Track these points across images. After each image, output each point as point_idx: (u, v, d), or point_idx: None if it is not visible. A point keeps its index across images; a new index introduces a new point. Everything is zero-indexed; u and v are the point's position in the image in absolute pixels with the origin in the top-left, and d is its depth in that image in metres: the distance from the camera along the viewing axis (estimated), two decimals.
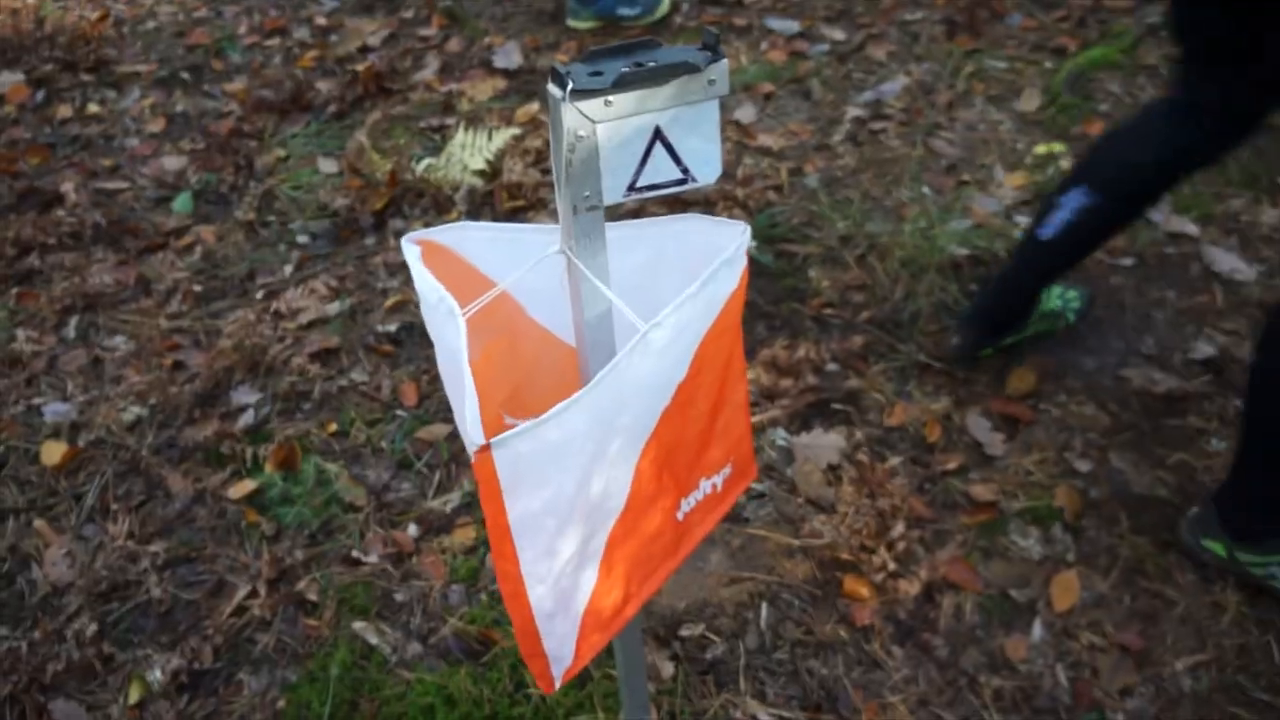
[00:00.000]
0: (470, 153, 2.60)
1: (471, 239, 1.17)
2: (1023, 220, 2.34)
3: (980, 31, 3.03)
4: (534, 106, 2.81)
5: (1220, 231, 2.29)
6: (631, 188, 0.99)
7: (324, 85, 3.08)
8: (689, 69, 0.93)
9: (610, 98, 0.93)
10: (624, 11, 3.15)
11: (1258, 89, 1.54)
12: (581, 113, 0.93)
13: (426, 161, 2.61)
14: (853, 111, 2.74)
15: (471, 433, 0.91)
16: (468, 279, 1.14)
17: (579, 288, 1.03)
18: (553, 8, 3.33)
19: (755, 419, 1.93)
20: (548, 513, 0.97)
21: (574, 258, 1.01)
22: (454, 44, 3.25)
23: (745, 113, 2.76)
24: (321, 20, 3.47)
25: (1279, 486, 1.59)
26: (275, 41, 3.39)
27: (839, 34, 3.07)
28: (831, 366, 2.03)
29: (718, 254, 1.04)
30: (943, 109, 2.73)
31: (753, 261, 2.26)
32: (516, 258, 1.15)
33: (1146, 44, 2.91)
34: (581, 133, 0.94)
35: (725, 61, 0.95)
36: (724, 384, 1.15)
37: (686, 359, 1.03)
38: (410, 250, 1.07)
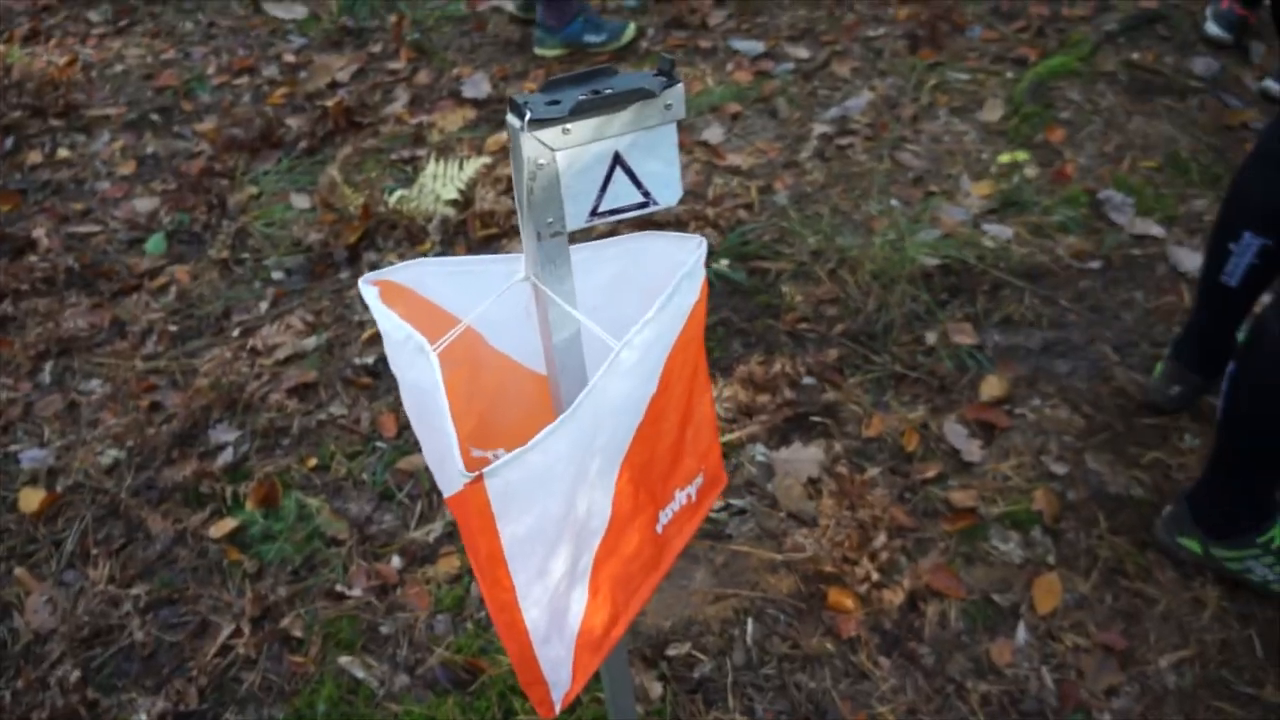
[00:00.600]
0: (442, 183, 2.61)
1: (429, 275, 1.18)
2: (991, 228, 2.37)
3: (942, 44, 3.08)
4: (504, 135, 2.83)
5: (1184, 232, 2.33)
6: (594, 213, 1.01)
7: (294, 122, 3.09)
8: (644, 94, 0.95)
9: (568, 125, 0.94)
10: (590, 38, 3.18)
11: None
12: (540, 141, 0.94)
13: (399, 193, 2.62)
14: (819, 128, 2.77)
15: (457, 466, 0.92)
16: (428, 315, 1.15)
17: (547, 313, 1.04)
18: (520, 37, 3.37)
19: (734, 435, 1.94)
20: (537, 537, 0.98)
21: (541, 284, 1.02)
22: (423, 76, 3.27)
23: (713, 133, 2.79)
24: (290, 57, 3.49)
25: (1252, 484, 1.61)
26: (244, 80, 3.40)
27: (803, 52, 3.11)
28: (808, 380, 2.05)
29: (677, 269, 1.06)
30: (908, 122, 2.77)
31: (726, 280, 2.28)
32: (475, 290, 1.16)
33: (1104, 51, 2.96)
34: (541, 161, 0.95)
35: (680, 86, 0.97)
36: (691, 395, 1.17)
37: (656, 374, 1.04)
38: (369, 291, 1.08)
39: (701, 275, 1.08)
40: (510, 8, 3.50)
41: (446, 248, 2.49)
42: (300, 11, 3.76)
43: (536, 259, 1.01)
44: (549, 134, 0.94)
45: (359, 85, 3.26)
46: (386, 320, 1.06)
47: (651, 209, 1.04)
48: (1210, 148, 2.59)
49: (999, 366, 2.04)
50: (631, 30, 3.22)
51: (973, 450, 1.88)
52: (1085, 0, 3.21)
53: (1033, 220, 2.39)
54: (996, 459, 1.87)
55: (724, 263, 2.31)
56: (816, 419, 1.97)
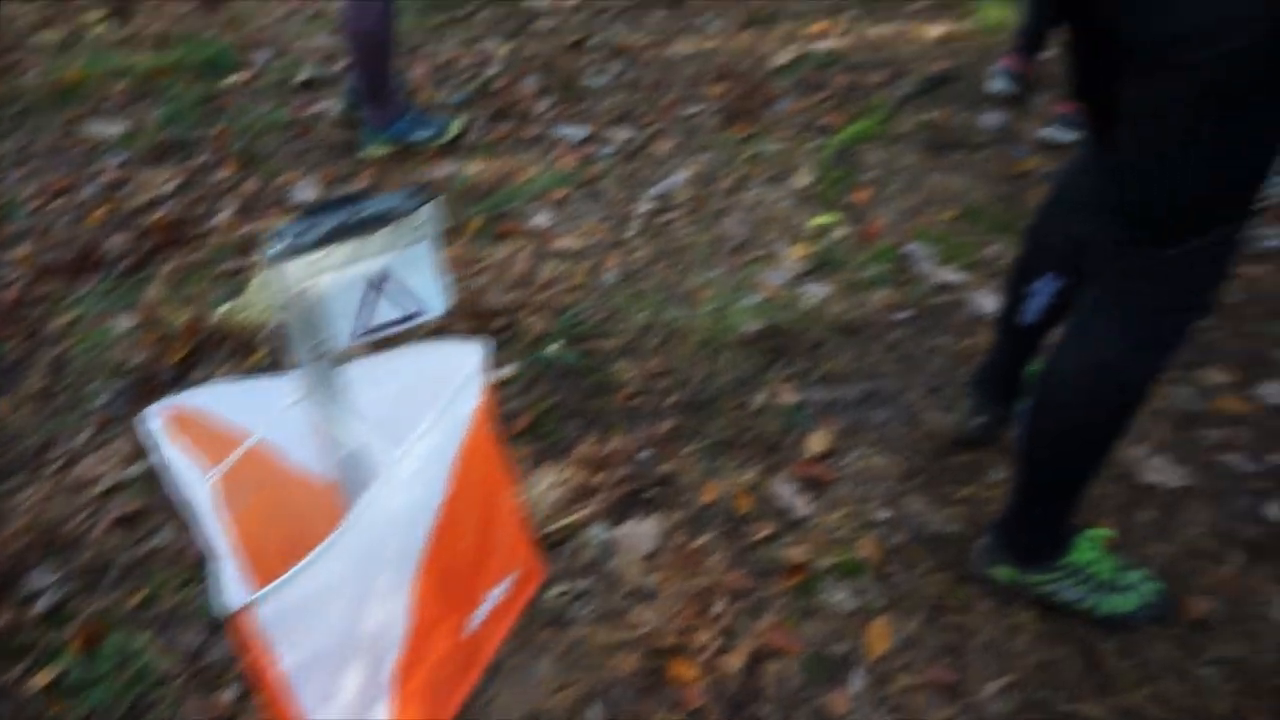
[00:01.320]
0: (271, 293, 2.59)
1: (223, 397, 1.18)
2: (809, 289, 2.49)
3: (754, 118, 3.25)
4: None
5: (982, 277, 2.50)
6: (359, 332, 1.03)
7: (116, 240, 3.01)
8: (396, 216, 0.99)
9: (322, 252, 0.97)
10: (416, 135, 3.22)
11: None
12: (297, 270, 0.97)
13: (226, 306, 2.58)
14: (643, 206, 2.88)
15: (230, 595, 0.91)
16: (224, 439, 1.14)
17: (322, 433, 1.06)
18: (347, 139, 3.38)
19: (574, 518, 1.96)
20: (321, 659, 0.97)
21: (313, 406, 1.03)
22: (250, 184, 3.25)
23: (541, 219, 2.86)
24: (111, 175, 3.41)
25: (1050, 512, 1.72)
26: (62, 201, 3.30)
27: (625, 134, 3.23)
28: (644, 454, 2.10)
29: (458, 376, 1.09)
30: (726, 194, 2.90)
31: (558, 364, 2.32)
32: (268, 409, 1.16)
33: (901, 114, 3.18)
34: (300, 288, 0.98)
35: (431, 204, 1.02)
36: (491, 496, 1.19)
37: (442, 482, 1.07)
38: (151, 422, 1.08)
39: (481, 381, 1.11)
40: (340, 107, 3.52)
41: (278, 359, 2.46)
42: (120, 127, 3.69)
43: (307, 382, 1.03)
44: (305, 261, 0.97)
45: (183, 198, 3.21)
46: (165, 452, 1.06)
47: (421, 320, 1.07)
48: (1000, 196, 2.80)
49: (822, 421, 2.13)
50: (458, 125, 3.28)
51: (801, 506, 1.95)
52: (882, 68, 3.46)
53: (846, 278, 2.53)
54: (824, 512, 1.94)
55: (555, 346, 2.36)
56: (653, 492, 2.01)
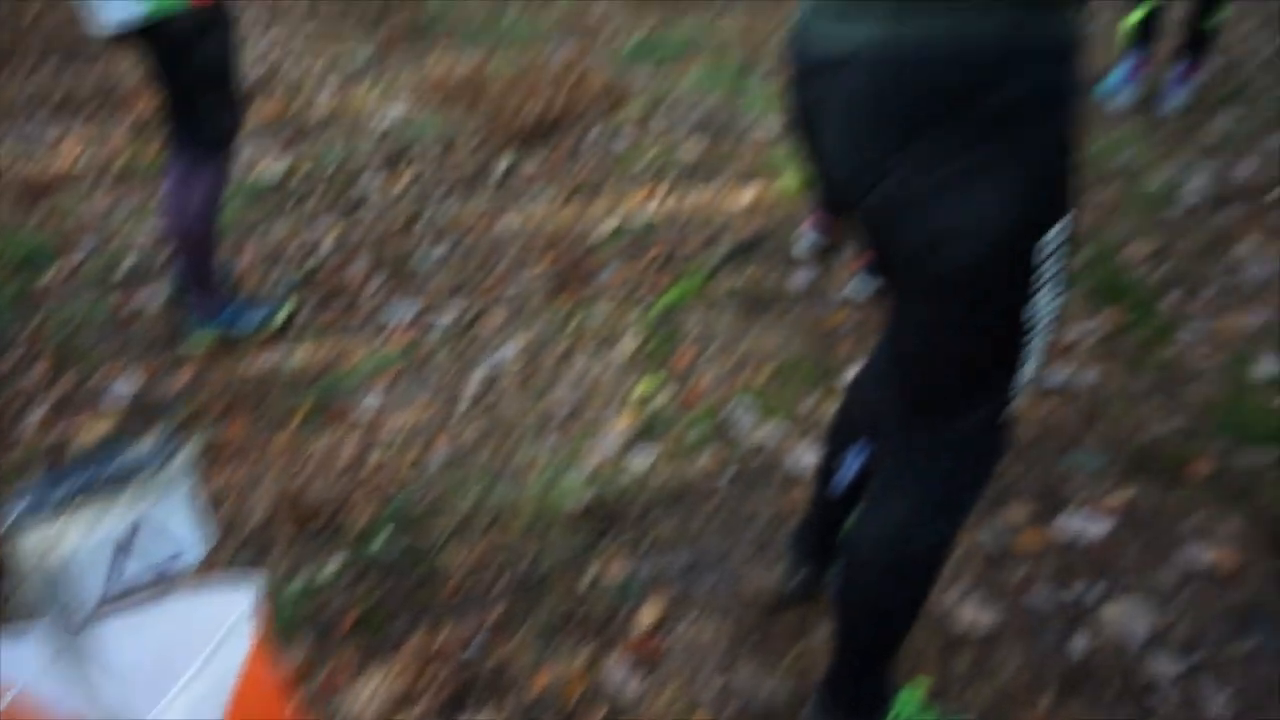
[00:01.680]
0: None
1: None
2: (635, 458, 2.55)
3: (580, 287, 3.37)
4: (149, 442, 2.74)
5: (799, 432, 2.62)
6: (113, 588, 1.01)
7: None
8: (145, 468, 0.99)
9: (69, 511, 0.96)
10: (242, 325, 3.19)
11: None
12: (39, 532, 0.95)
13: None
14: (474, 382, 2.91)
15: None
16: None
17: (79, 697, 1.01)
18: (170, 331, 3.32)
19: None
20: None
21: (65, 671, 0.99)
22: (66, 382, 3.13)
23: (371, 401, 2.85)
24: None
25: (871, 668, 1.76)
26: None
27: (455, 311, 3.29)
28: (475, 643, 2.06)
29: (230, 619, 1.06)
30: (554, 365, 2.97)
31: (385, 555, 2.28)
32: (40, 656, 1.11)
33: (717, 278, 3.36)
34: (44, 550, 0.95)
35: (184, 452, 1.02)
36: None
37: None
38: None
39: (250, 626, 1.09)
40: (164, 297, 3.46)
41: None
42: None
43: (54, 646, 0.99)
44: (49, 523, 0.95)
45: None
46: None
47: (180, 567, 1.05)
48: (812, 351, 2.96)
49: (651, 593, 2.15)
50: (285, 311, 3.27)
51: (633, 686, 1.94)
52: (698, 233, 3.66)
53: (670, 443, 2.60)
54: (656, 689, 1.94)
55: (382, 537, 2.32)
56: (485, 684, 1.97)
